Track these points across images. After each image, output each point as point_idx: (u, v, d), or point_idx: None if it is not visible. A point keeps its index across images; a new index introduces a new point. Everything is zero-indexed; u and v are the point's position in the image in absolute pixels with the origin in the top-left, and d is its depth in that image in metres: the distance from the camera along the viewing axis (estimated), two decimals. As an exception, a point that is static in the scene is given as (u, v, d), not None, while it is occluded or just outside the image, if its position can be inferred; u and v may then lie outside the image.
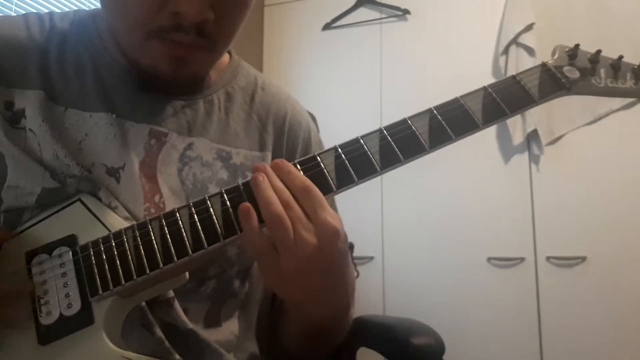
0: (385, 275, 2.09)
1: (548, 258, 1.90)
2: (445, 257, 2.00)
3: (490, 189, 2.00)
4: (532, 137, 1.97)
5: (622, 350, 1.77)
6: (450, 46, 2.10)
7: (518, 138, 1.96)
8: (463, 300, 1.96)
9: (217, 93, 0.67)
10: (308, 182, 0.49)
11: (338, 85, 2.26)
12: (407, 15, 2.22)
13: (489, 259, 1.96)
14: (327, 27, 2.33)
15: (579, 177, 1.90)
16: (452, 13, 2.14)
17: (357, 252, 2.00)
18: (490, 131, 2.03)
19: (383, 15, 2.26)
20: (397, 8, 2.22)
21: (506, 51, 1.98)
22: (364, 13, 2.28)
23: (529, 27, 1.96)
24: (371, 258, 2.11)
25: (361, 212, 2.12)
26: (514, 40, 1.96)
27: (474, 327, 1.93)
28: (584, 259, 1.86)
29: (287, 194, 0.48)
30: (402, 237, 2.08)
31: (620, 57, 0.62)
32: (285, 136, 0.70)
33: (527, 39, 1.95)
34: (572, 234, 1.88)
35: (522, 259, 1.93)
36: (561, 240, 1.89)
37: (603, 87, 0.61)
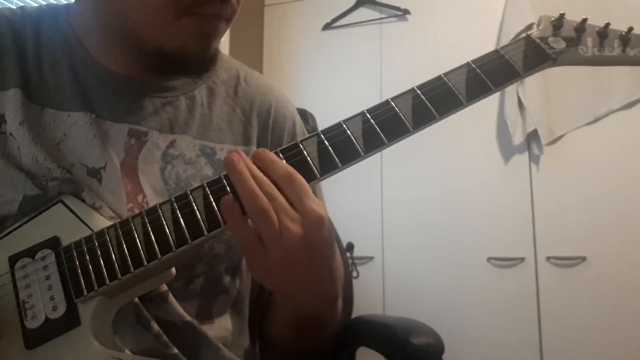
0: (385, 275, 2.09)
1: (548, 258, 1.90)
2: (445, 257, 2.00)
3: (490, 189, 2.00)
4: (532, 137, 1.97)
5: (622, 350, 1.76)
6: (450, 46, 2.09)
7: (518, 138, 1.96)
8: (463, 300, 1.96)
9: (198, 88, 0.66)
10: (291, 169, 0.48)
11: (338, 85, 2.26)
12: (407, 15, 2.22)
13: (489, 259, 1.96)
14: (327, 27, 2.33)
15: (579, 177, 1.90)
16: (452, 13, 2.15)
17: (357, 252, 2.02)
18: (490, 131, 2.03)
19: (383, 15, 2.26)
20: (397, 8, 2.22)
21: (506, 51, 1.99)
22: (364, 13, 2.28)
23: (529, 27, 1.96)
24: (371, 258, 2.11)
25: (361, 212, 2.12)
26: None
27: (473, 327, 1.93)
28: (584, 259, 1.86)
29: (269, 185, 0.47)
30: (402, 237, 2.08)
31: (607, 24, 0.60)
32: (270, 129, 0.69)
33: (527, 39, 1.95)
34: (572, 234, 1.88)
35: (522, 259, 1.93)
36: (561, 240, 1.89)
37: (590, 57, 0.59)
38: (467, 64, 0.56)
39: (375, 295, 2.08)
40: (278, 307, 0.64)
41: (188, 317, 0.57)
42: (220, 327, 0.62)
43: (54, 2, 1.70)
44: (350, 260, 2.00)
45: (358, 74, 2.25)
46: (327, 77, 2.30)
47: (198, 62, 0.59)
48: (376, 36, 2.25)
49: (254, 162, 0.49)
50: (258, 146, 0.67)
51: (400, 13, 2.23)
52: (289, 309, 0.60)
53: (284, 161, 0.50)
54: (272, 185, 0.47)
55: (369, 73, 2.23)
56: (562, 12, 0.60)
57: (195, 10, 0.54)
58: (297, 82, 2.34)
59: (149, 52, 0.57)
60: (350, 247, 1.92)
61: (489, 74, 0.56)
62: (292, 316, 0.60)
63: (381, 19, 2.26)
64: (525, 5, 1.98)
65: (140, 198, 0.57)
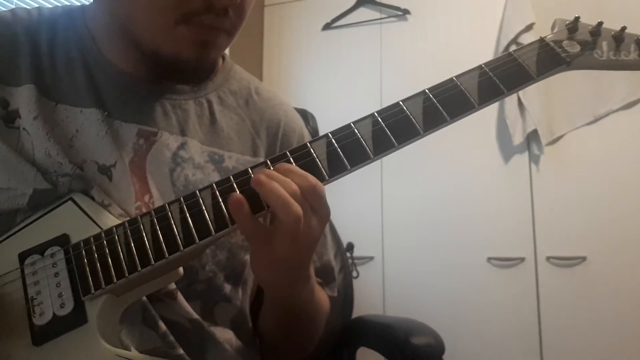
0: (385, 275, 2.09)
1: (548, 258, 1.90)
2: (445, 257, 2.00)
3: (490, 189, 2.00)
4: (532, 137, 1.97)
5: (622, 350, 1.77)
6: (450, 46, 2.10)
7: (518, 138, 1.96)
8: (463, 300, 1.96)
9: (207, 96, 0.66)
10: (314, 180, 0.48)
11: (338, 85, 2.26)
12: (407, 15, 2.22)
13: (489, 259, 1.96)
14: (327, 27, 2.33)
15: (579, 177, 1.90)
16: (452, 13, 2.15)
17: (357, 252, 2.01)
18: (490, 131, 2.04)
19: (383, 15, 2.26)
20: (397, 8, 2.23)
21: (506, 51, 1.98)
22: (364, 13, 2.28)
23: (529, 27, 1.96)
24: (371, 258, 2.11)
25: (361, 212, 2.12)
26: (514, 40, 1.97)
27: (473, 327, 1.93)
28: (584, 259, 1.86)
29: (293, 185, 0.48)
30: (402, 237, 2.08)
31: (623, 28, 0.59)
32: (278, 143, 0.70)
33: (527, 39, 1.95)
34: (572, 234, 1.88)
35: (522, 259, 1.93)
36: (561, 240, 1.89)
37: (605, 61, 0.58)
38: (480, 66, 0.56)
39: (375, 295, 2.08)
40: (265, 302, 0.65)
41: (195, 316, 0.57)
42: (223, 331, 0.62)
43: (55, 2, 1.70)
44: (350, 260, 1.99)
45: (358, 74, 2.25)
46: (327, 77, 2.30)
47: (193, 71, 0.60)
48: (376, 36, 2.25)
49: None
50: (266, 159, 0.68)
51: (400, 13, 2.23)
52: (272, 300, 0.62)
53: (294, 163, 0.50)
54: (297, 187, 0.48)
55: (369, 73, 2.23)
56: (577, 16, 0.59)
57: (193, 19, 0.54)
58: (297, 82, 2.34)
59: (146, 54, 0.58)
60: (350, 247, 1.92)
61: (502, 77, 0.55)
62: (275, 306, 0.62)
63: (381, 19, 2.26)
64: (525, 5, 1.98)
65: (147, 198, 0.57)
